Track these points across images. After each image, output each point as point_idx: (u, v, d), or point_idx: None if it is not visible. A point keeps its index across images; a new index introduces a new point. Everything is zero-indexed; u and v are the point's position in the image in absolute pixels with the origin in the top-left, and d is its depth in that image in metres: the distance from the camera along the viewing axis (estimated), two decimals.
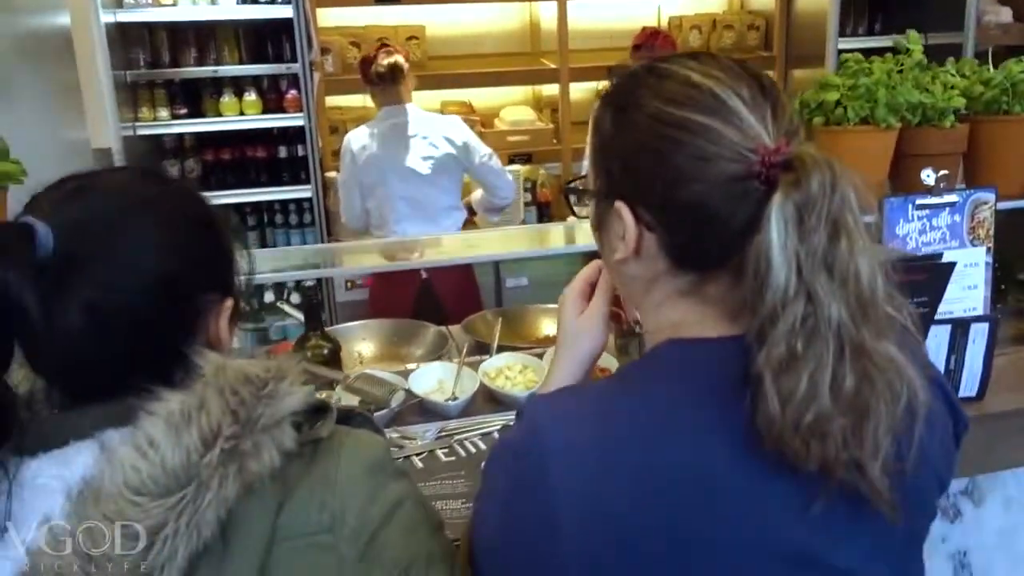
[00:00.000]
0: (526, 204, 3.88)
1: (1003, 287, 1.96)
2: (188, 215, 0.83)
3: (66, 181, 0.79)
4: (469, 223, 3.32)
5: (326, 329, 1.81)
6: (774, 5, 4.03)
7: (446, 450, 1.42)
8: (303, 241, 3.72)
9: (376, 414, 1.43)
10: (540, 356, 1.71)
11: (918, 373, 0.75)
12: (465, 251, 2.25)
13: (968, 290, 1.61)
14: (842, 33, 3.70)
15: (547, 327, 2.22)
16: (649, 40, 3.20)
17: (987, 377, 1.52)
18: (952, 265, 1.36)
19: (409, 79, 3.05)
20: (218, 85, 3.57)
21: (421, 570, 0.80)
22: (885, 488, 0.74)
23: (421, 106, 3.14)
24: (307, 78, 3.46)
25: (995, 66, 1.80)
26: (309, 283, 1.81)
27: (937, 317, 1.44)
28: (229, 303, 0.85)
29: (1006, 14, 3.73)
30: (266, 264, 1.80)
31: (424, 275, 2.93)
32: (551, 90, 4.13)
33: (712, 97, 0.77)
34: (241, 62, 3.57)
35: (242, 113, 3.56)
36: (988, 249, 1.60)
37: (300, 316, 1.87)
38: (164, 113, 3.51)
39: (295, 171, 3.64)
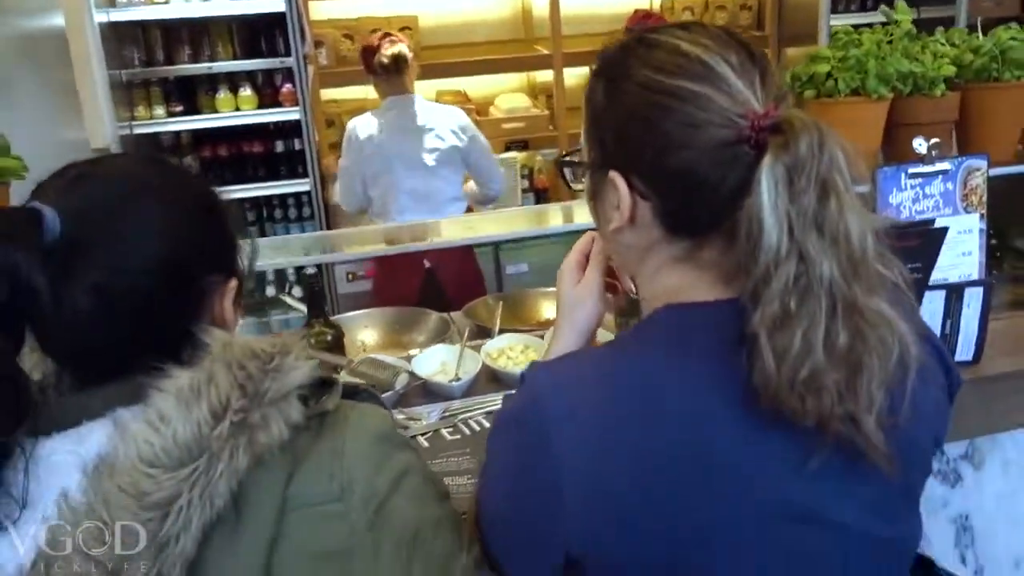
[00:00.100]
0: (523, 191, 3.89)
1: (999, 254, 1.98)
2: (189, 198, 0.84)
3: (69, 168, 0.81)
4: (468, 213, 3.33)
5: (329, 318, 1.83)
6: None
7: (451, 429, 1.44)
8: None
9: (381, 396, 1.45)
10: (541, 337, 1.73)
11: (910, 329, 0.77)
12: (465, 233, 2.26)
13: (963, 256, 1.62)
14: (834, 10, 3.71)
15: (548, 310, 2.24)
16: (642, 22, 3.21)
17: (983, 341, 1.53)
18: (944, 230, 1.38)
19: (413, 68, 3.05)
20: (213, 81, 3.59)
21: (428, 536, 0.82)
22: (880, 441, 0.75)
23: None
24: (301, 72, 3.47)
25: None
26: (310, 271, 1.82)
27: (932, 283, 1.46)
28: (233, 284, 0.87)
29: None
30: (267, 253, 1.82)
31: (428, 264, 2.94)
32: (545, 76, 4.14)
33: (700, 64, 0.79)
34: (235, 58, 3.58)
35: (238, 109, 3.58)
36: (982, 216, 1.61)
37: (303, 308, 1.88)
38: (160, 111, 3.52)
39: (292, 165, 3.66)
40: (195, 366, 0.76)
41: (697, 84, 0.78)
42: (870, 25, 1.80)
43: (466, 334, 1.75)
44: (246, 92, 3.58)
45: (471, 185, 3.26)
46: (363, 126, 3.04)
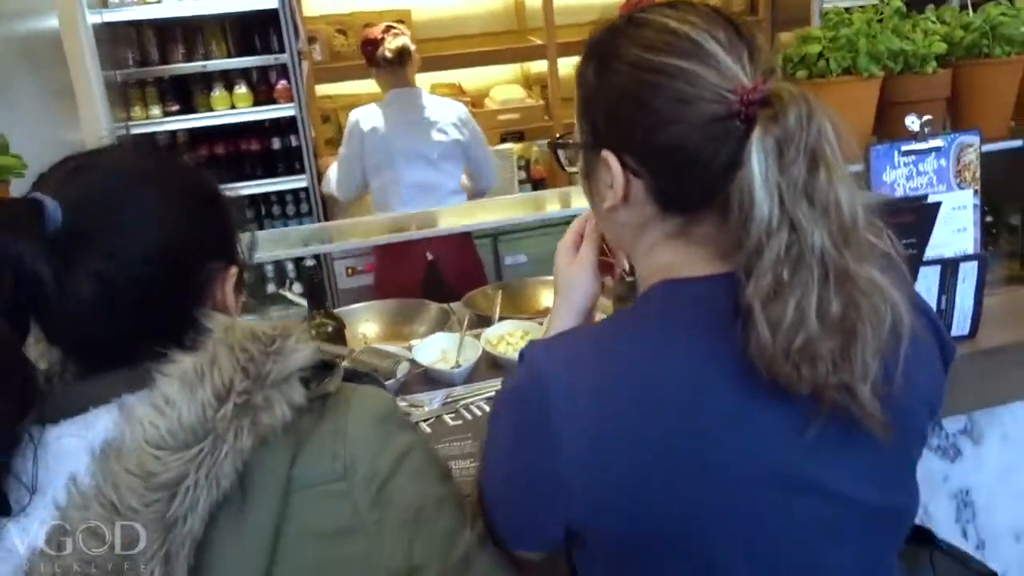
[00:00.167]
0: (520, 182, 3.90)
1: (994, 231, 1.99)
2: (187, 187, 0.85)
3: (68, 160, 0.82)
4: None
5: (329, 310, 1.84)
6: None
7: (452, 414, 1.45)
8: None
9: None
10: (541, 324, 1.74)
11: (902, 297, 0.78)
12: (466, 221, 2.27)
13: (958, 233, 1.63)
14: None
15: (547, 298, 2.25)
16: (635, 8, 3.21)
17: (978, 315, 1.55)
18: (938, 205, 1.39)
19: (415, 61, 3.06)
20: (208, 80, 3.58)
21: (431, 514, 0.83)
22: (876, 410, 0.76)
23: None
24: (296, 68, 3.48)
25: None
26: (309, 262, 1.83)
27: (927, 258, 1.47)
28: (233, 271, 0.88)
29: None
30: (266, 245, 1.83)
31: (430, 256, 2.96)
32: (539, 67, 4.14)
33: (689, 41, 0.80)
34: (229, 56, 3.58)
35: (233, 106, 3.57)
36: (975, 192, 1.62)
37: (303, 303, 1.90)
38: (156, 111, 3.52)
39: (289, 162, 3.66)
40: (198, 350, 0.77)
41: (686, 61, 0.79)
42: (862, 7, 1.81)
43: (466, 322, 1.76)
44: (241, 90, 3.58)
45: (463, 179, 3.27)
46: (367, 117, 3.04)
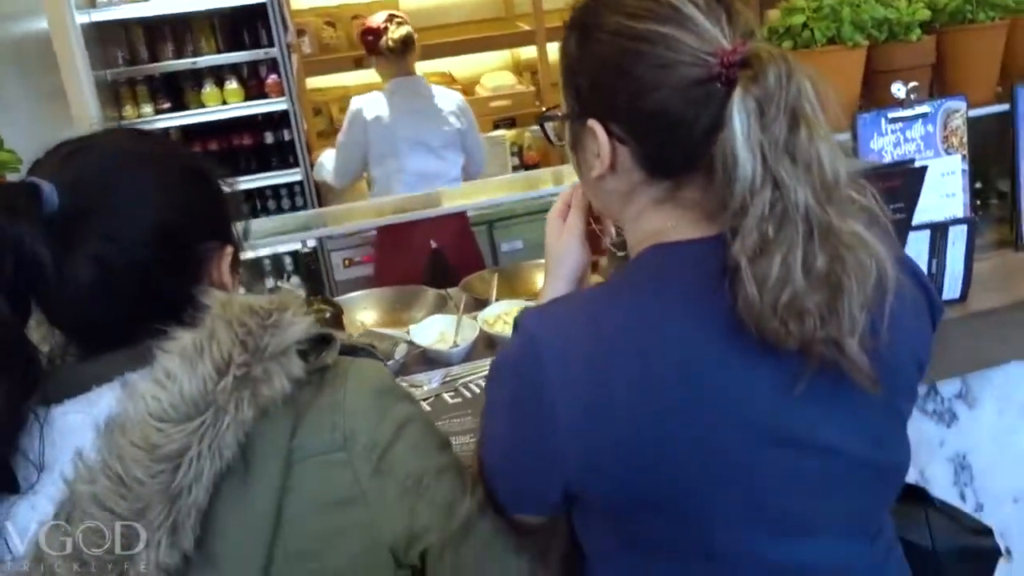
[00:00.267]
0: (514, 168, 3.91)
1: (984, 196, 2.00)
2: (180, 168, 0.87)
3: (63, 145, 0.84)
4: None
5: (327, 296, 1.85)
6: None
7: (452, 393, 1.47)
8: None
9: None
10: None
11: (886, 251, 0.79)
12: (465, 201, 2.27)
13: (947, 198, 1.65)
14: None
15: (543, 281, 2.26)
16: None
17: (969, 278, 1.56)
18: (924, 169, 1.40)
19: (417, 49, 3.08)
20: (198, 76, 3.60)
21: (432, 482, 0.85)
22: (864, 363, 0.78)
23: None
24: (286, 62, 3.48)
25: None
26: (306, 250, 1.85)
27: (917, 223, 1.48)
28: (229, 250, 0.89)
29: None
30: (266, 232, 1.84)
31: (434, 244, 2.97)
32: (529, 52, 4.15)
33: (668, 7, 0.81)
34: (219, 51, 3.59)
35: (225, 102, 3.59)
36: (963, 156, 1.64)
37: (302, 295, 1.91)
38: (148, 109, 3.53)
39: (283, 155, 3.67)
40: (197, 326, 0.78)
41: (665, 26, 0.80)
42: None
43: (463, 304, 1.78)
44: (232, 85, 3.59)
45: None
46: (370, 106, 3.04)
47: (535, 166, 3.98)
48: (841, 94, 1.70)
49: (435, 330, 1.70)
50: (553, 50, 3.94)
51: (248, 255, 0.98)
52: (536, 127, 4.02)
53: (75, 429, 0.76)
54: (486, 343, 1.65)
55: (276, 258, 3.51)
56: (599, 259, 1.11)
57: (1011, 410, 1.75)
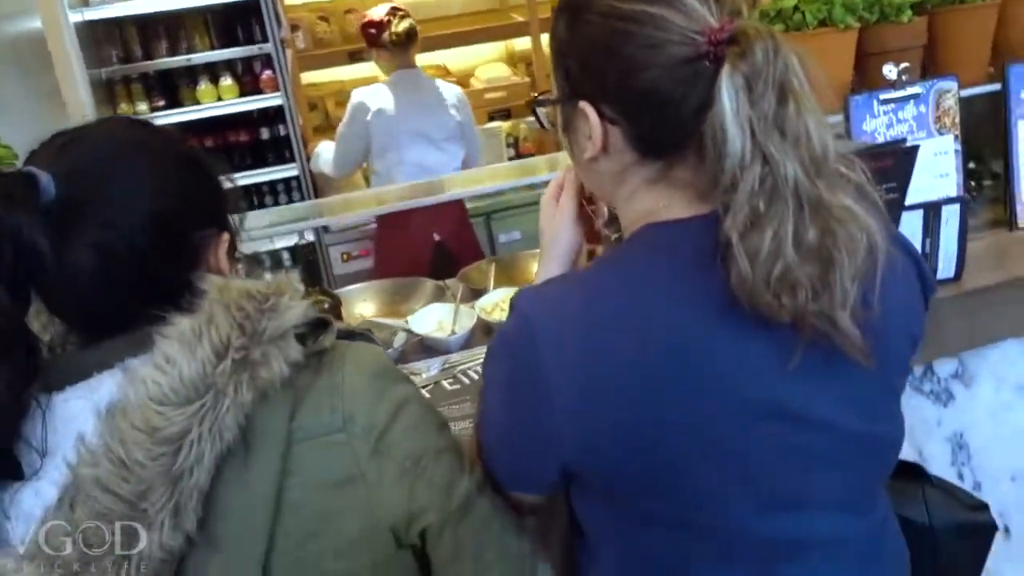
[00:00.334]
0: (510, 159, 3.91)
1: (979, 176, 2.01)
2: (175, 155, 0.87)
3: (57, 136, 0.84)
4: None
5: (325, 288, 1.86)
6: None
7: (450, 380, 1.48)
8: None
9: None
10: None
11: (876, 224, 0.79)
12: (462, 188, 2.28)
13: (940, 178, 1.65)
14: None
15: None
16: None
17: (963, 257, 1.57)
18: (916, 148, 1.41)
19: (418, 42, 3.10)
20: (193, 73, 3.60)
21: (430, 462, 0.86)
22: (856, 336, 0.78)
23: None
24: (280, 57, 3.48)
25: None
26: (303, 242, 1.85)
27: (910, 203, 1.49)
28: (225, 237, 0.90)
29: None
30: (262, 224, 1.84)
31: (437, 237, 2.98)
32: (523, 44, 4.15)
33: None
34: (212, 48, 3.59)
35: (219, 99, 3.59)
36: (956, 136, 1.65)
37: (300, 288, 1.92)
38: (143, 107, 3.54)
39: (279, 151, 3.68)
40: (195, 312, 0.79)
41: (654, 6, 0.80)
42: None
43: (460, 293, 1.79)
44: (227, 81, 3.59)
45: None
46: (373, 98, 3.04)
47: (530, 157, 3.98)
48: (833, 76, 1.71)
49: (433, 319, 1.71)
50: (547, 41, 3.94)
51: (246, 250, 0.99)
52: (531, 118, 4.04)
53: (77, 415, 0.77)
54: (484, 331, 1.66)
55: (274, 253, 3.51)
56: (596, 248, 1.12)
57: (1007, 388, 1.76)
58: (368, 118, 3.02)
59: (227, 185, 0.92)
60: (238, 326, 0.77)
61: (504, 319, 1.63)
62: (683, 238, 0.84)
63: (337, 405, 0.82)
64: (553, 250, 1.04)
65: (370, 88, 3.09)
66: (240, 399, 0.76)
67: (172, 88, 3.61)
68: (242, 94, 3.61)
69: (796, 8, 1.68)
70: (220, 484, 0.76)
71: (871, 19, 1.72)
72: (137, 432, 0.73)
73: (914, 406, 1.72)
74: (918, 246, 1.54)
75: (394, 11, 3.04)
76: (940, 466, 1.77)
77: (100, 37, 3.46)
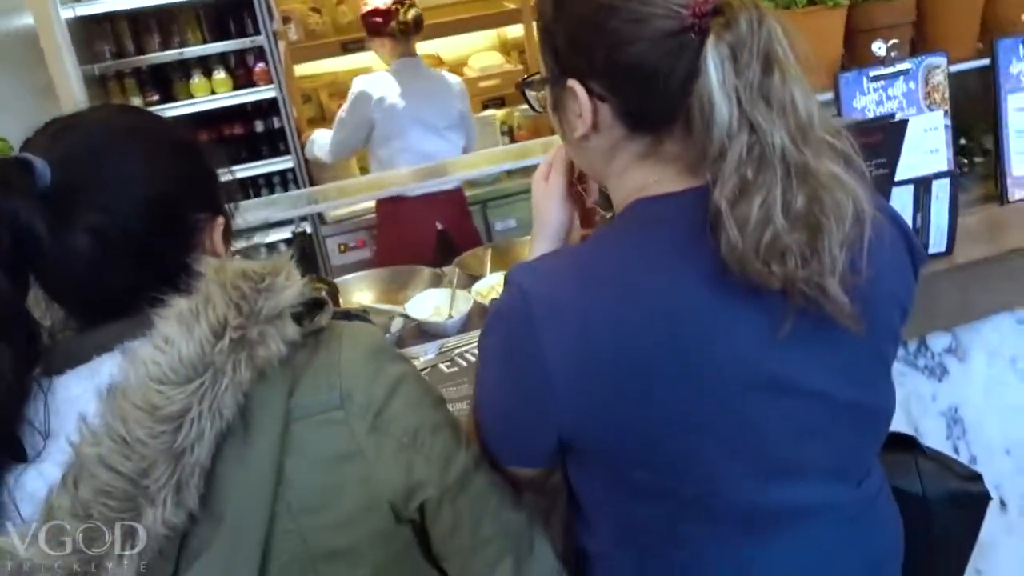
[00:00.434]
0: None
1: (970, 153, 2.02)
2: (169, 140, 0.88)
3: (51, 123, 0.85)
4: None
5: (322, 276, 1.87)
6: None
7: (448, 363, 1.49)
8: None
9: None
10: None
11: (863, 190, 0.80)
12: (457, 172, 2.28)
13: (931, 154, 1.66)
14: None
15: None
16: None
17: (954, 231, 1.58)
18: (905, 122, 1.42)
19: (423, 30, 3.13)
20: (186, 67, 3.59)
21: (428, 436, 0.87)
22: (845, 303, 0.79)
23: None
24: (273, 49, 3.48)
25: None
26: (299, 230, 1.86)
27: (900, 178, 1.50)
28: (220, 221, 0.91)
29: None
30: (259, 214, 1.85)
31: (440, 226, 2.99)
32: (516, 31, 4.14)
33: None
34: (205, 41, 3.58)
35: (213, 92, 3.59)
36: (945, 112, 1.65)
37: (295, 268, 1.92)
38: (137, 102, 3.53)
39: (274, 143, 3.68)
40: (192, 293, 0.80)
41: None
42: None
43: (456, 279, 1.80)
44: (220, 75, 3.58)
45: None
46: (376, 86, 3.04)
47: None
48: (823, 55, 1.72)
49: (430, 304, 1.72)
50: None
51: (242, 244, 1.00)
52: (525, 106, 4.04)
53: (78, 396, 0.78)
54: (480, 314, 1.67)
55: (271, 246, 3.52)
56: (589, 233, 1.13)
57: (1000, 362, 1.77)
58: (371, 106, 3.02)
59: (223, 174, 0.93)
60: (235, 306, 0.78)
61: None
62: (674, 211, 0.85)
63: (335, 383, 0.83)
64: (544, 228, 1.05)
65: (372, 76, 3.10)
66: (238, 378, 0.77)
67: (165, 82, 3.61)
68: (236, 87, 3.60)
69: None
70: (221, 462, 0.78)
71: None
72: (138, 411, 0.74)
73: (909, 381, 1.73)
74: (909, 221, 1.55)
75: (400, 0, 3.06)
76: (936, 441, 1.77)
77: (92, 32, 3.46)
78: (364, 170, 3.51)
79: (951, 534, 1.16)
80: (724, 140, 0.77)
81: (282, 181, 3.78)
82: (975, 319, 1.69)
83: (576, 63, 0.87)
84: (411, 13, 3.02)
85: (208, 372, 0.76)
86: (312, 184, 3.63)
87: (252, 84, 3.60)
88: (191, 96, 3.58)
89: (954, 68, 1.65)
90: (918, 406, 1.77)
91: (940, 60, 1.62)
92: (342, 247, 3.53)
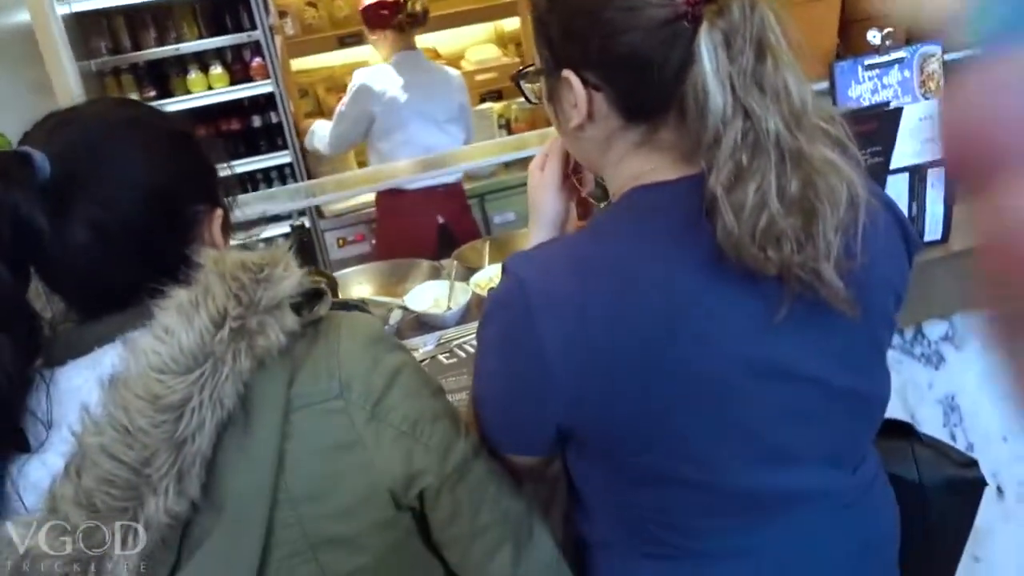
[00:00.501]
0: None
1: None
2: (167, 133, 0.89)
3: (50, 117, 0.85)
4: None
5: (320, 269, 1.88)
6: None
7: (447, 354, 1.50)
8: None
9: None
10: None
11: (857, 175, 0.81)
12: (455, 164, 2.29)
13: (927, 143, 1.66)
14: None
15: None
16: None
17: (949, 219, 1.58)
18: (900, 111, 1.42)
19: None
20: (182, 63, 3.59)
21: (427, 425, 0.88)
22: (840, 288, 0.80)
23: None
24: (269, 44, 3.48)
25: None
26: (297, 222, 1.87)
27: (896, 167, 1.50)
28: (219, 212, 0.91)
29: None
30: (257, 207, 1.85)
31: (441, 219, 2.99)
32: (512, 24, 4.14)
33: None
34: (201, 37, 3.58)
35: (210, 87, 3.59)
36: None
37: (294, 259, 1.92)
38: (134, 98, 3.53)
39: (271, 138, 3.68)
40: (192, 283, 0.81)
41: None
42: None
43: (454, 271, 1.80)
44: (217, 70, 3.58)
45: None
46: (378, 79, 3.04)
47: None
48: (818, 44, 1.72)
49: (429, 296, 1.73)
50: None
51: (241, 239, 1.00)
52: (522, 99, 4.04)
53: (80, 387, 0.79)
54: (479, 306, 1.68)
55: (269, 241, 3.52)
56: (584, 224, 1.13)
57: None
58: (372, 99, 3.02)
59: (221, 168, 0.93)
60: (234, 296, 0.79)
61: None
62: (670, 199, 0.85)
63: (334, 372, 0.84)
64: (540, 218, 1.05)
65: (373, 69, 3.09)
66: (238, 367, 0.78)
67: (162, 78, 3.61)
68: (232, 82, 3.60)
69: None
70: (222, 451, 0.78)
71: None
72: (140, 400, 0.74)
73: (905, 369, 1.74)
74: (904, 209, 1.56)
75: None
76: (933, 428, 1.78)
77: (88, 29, 3.46)
78: (362, 164, 3.52)
79: (947, 520, 1.17)
80: (719, 127, 0.77)
81: (280, 176, 3.78)
82: (972, 306, 1.69)
83: (570, 53, 0.87)
84: (419, 4, 3.01)
85: (208, 362, 0.77)
86: (311, 178, 3.63)
87: (249, 79, 3.60)
88: (188, 92, 3.58)
89: (949, 56, 1.65)
90: (915, 394, 1.78)
91: (935, 48, 1.62)
92: (341, 241, 3.53)
